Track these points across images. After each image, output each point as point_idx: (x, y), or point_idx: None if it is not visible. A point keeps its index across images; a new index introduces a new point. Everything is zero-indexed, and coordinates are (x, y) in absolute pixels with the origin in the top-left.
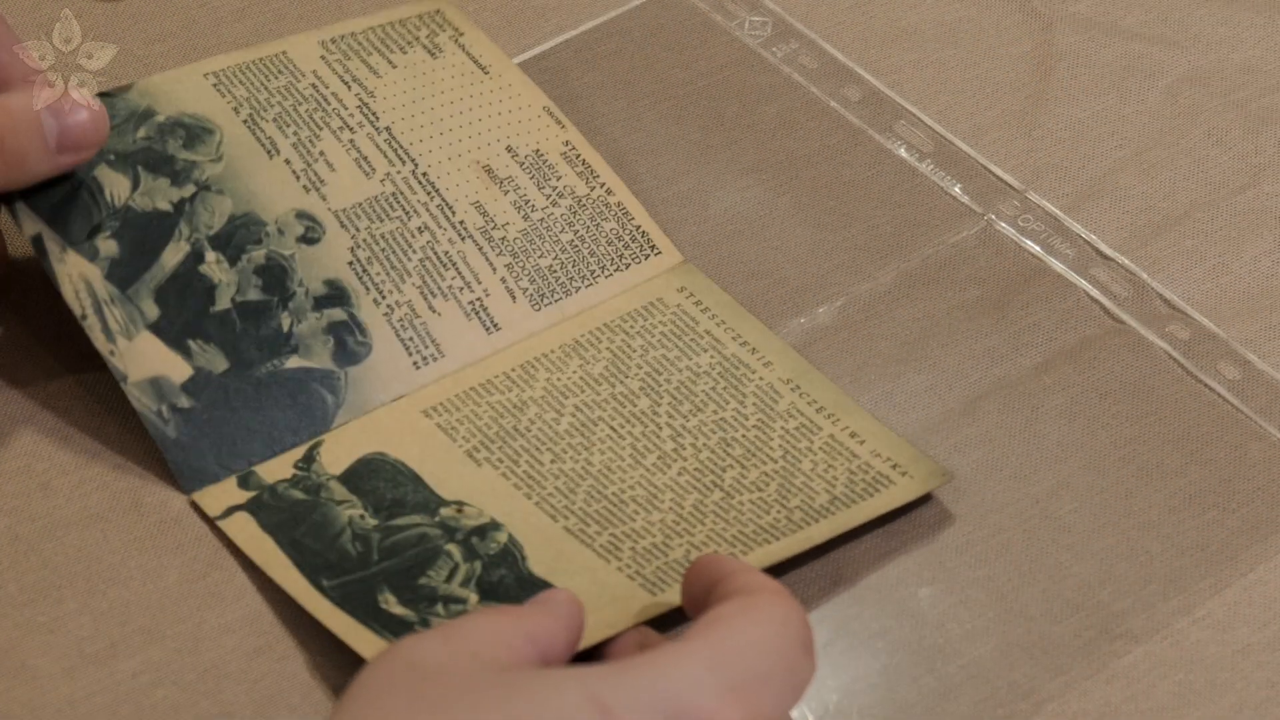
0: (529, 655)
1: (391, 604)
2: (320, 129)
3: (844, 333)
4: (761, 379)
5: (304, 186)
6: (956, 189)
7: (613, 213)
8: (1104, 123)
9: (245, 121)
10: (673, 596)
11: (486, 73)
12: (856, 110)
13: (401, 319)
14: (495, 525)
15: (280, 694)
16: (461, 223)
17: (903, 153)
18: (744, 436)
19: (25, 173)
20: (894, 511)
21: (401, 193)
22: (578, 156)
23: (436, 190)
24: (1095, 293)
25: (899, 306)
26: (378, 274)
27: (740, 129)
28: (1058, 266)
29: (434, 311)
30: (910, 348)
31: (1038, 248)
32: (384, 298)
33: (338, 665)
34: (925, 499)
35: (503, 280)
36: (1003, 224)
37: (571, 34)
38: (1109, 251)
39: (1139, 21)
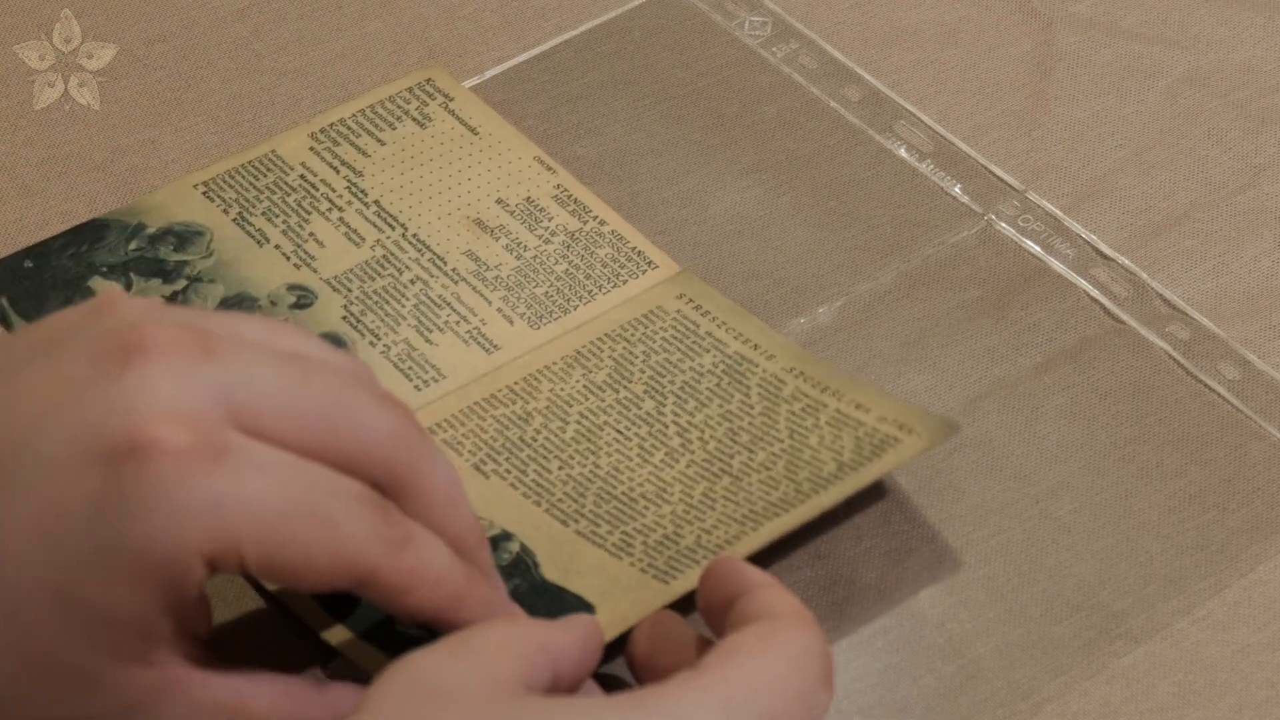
0: (543, 666)
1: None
2: (309, 213)
3: (844, 333)
4: (765, 370)
5: (294, 265)
6: (956, 189)
7: (606, 240)
8: (1104, 123)
9: (235, 220)
10: (684, 584)
11: (476, 133)
12: (856, 110)
13: (399, 354)
14: (506, 536)
15: None
16: (454, 270)
17: (903, 153)
18: (750, 424)
19: None
20: (895, 506)
21: (392, 254)
22: (569, 196)
23: (427, 247)
24: (1095, 293)
25: (899, 306)
26: (372, 323)
27: (740, 129)
28: (1058, 266)
29: (431, 344)
30: (910, 348)
31: (1038, 248)
32: (379, 339)
33: (338, 667)
34: (926, 501)
35: (499, 310)
36: (1003, 224)
37: (571, 34)
38: (1109, 251)
39: (1139, 21)
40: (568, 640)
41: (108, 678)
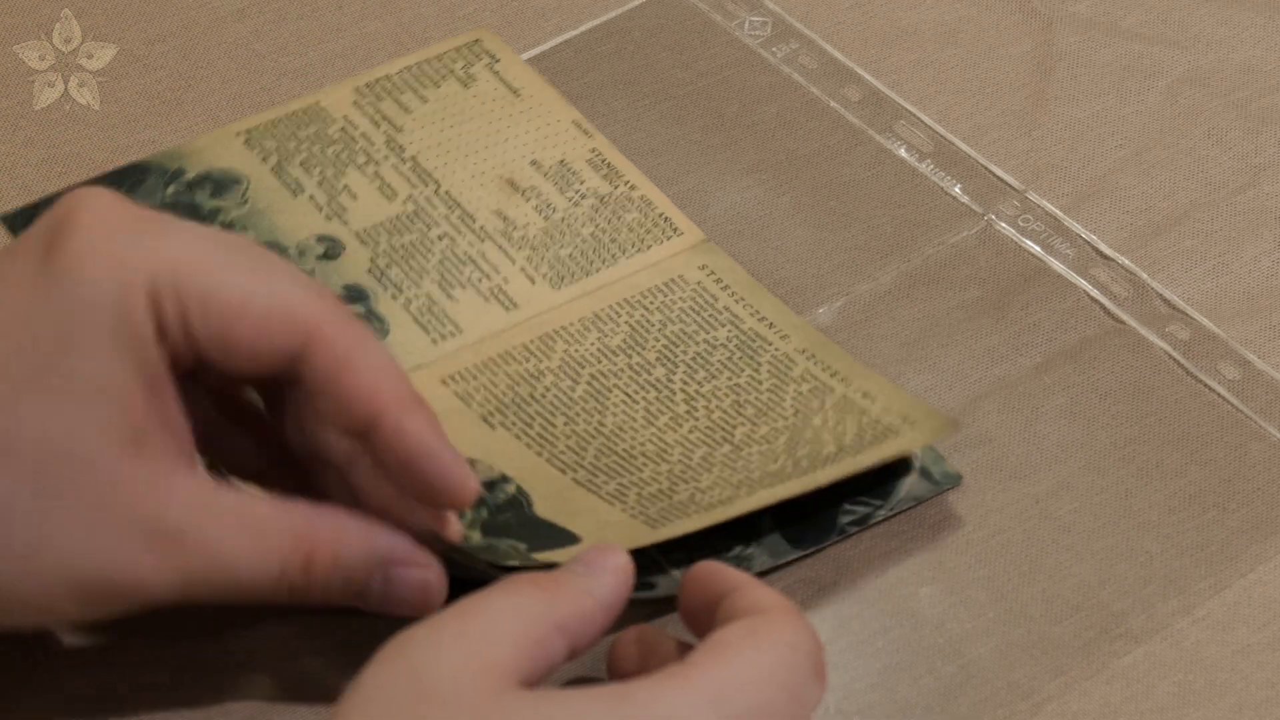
0: (555, 648)
1: None
2: (345, 166)
3: (844, 333)
4: (777, 349)
5: (326, 216)
6: (956, 189)
7: (635, 205)
8: (1104, 123)
9: (273, 169)
10: (671, 530)
11: (518, 95)
12: (856, 110)
13: (419, 308)
14: (504, 479)
15: (280, 694)
16: (482, 228)
17: (903, 153)
18: (757, 399)
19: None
20: (900, 506)
21: (423, 209)
22: (603, 161)
23: (458, 204)
24: (1095, 293)
25: (899, 306)
26: (396, 276)
27: (740, 129)
28: (1058, 266)
29: (452, 299)
30: (910, 348)
31: (1038, 248)
32: (402, 292)
33: (338, 666)
34: (935, 496)
35: (522, 269)
36: (1003, 224)
37: (571, 34)
38: (1109, 251)
39: (1139, 21)
40: (590, 609)
41: (104, 468)
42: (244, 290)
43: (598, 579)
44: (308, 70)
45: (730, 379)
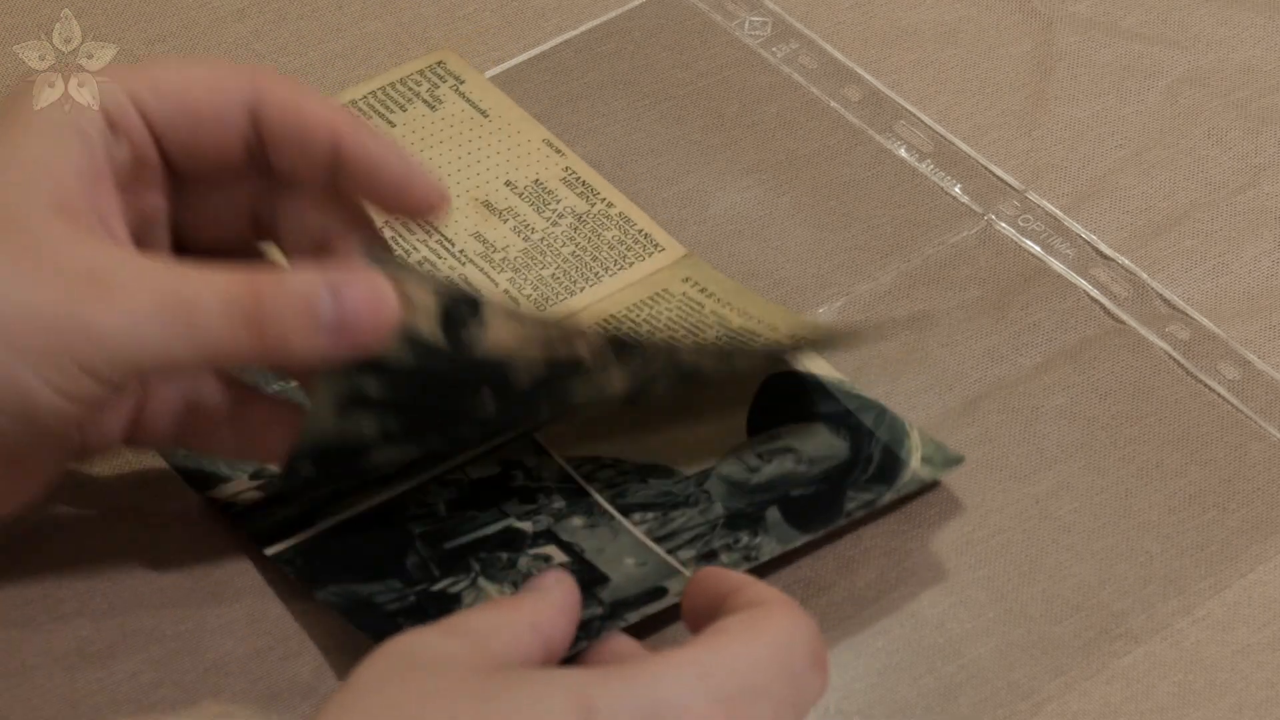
0: (534, 645)
1: None
2: None
3: None
4: (768, 338)
5: None
6: (956, 189)
7: (614, 222)
8: (1104, 123)
9: None
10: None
11: (486, 116)
12: (856, 110)
13: None
14: None
15: (280, 694)
16: (462, 251)
17: (903, 153)
18: (748, 358)
19: (289, 357)
20: (894, 506)
21: (400, 235)
22: (577, 179)
23: (435, 228)
24: (1095, 293)
25: (899, 306)
26: None
27: (740, 129)
28: (1058, 266)
29: None
30: (910, 348)
31: (1038, 248)
32: None
33: (339, 666)
34: (938, 478)
35: (506, 291)
36: (1003, 224)
37: (571, 34)
38: (1109, 251)
39: (1139, 21)
40: (555, 614)
41: (32, 227)
42: (187, 67)
43: (549, 590)
44: (308, 70)
45: (724, 359)
